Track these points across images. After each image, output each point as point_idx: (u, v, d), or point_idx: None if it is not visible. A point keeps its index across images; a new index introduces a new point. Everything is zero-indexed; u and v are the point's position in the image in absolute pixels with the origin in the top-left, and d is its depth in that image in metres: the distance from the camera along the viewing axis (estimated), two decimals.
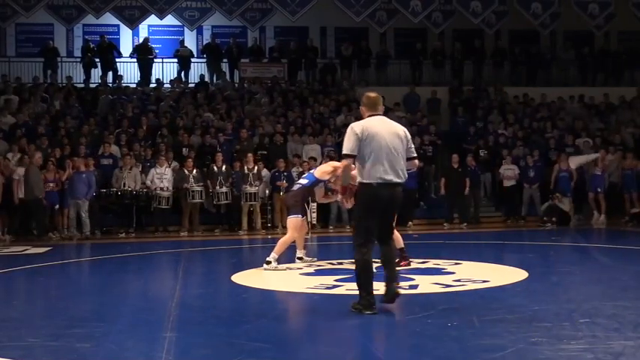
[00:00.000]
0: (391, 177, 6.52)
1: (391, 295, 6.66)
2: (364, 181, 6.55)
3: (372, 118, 6.71)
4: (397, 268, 9.27)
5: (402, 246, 9.84)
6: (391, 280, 6.71)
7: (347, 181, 7.06)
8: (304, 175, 10.76)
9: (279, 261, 9.78)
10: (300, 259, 10.23)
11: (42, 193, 15.36)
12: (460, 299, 7.41)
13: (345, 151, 6.59)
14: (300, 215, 9.87)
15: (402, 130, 6.76)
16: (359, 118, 19.99)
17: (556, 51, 24.66)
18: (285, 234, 10.41)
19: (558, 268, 10.29)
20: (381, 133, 6.55)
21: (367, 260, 6.55)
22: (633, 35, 24.35)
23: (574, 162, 17.39)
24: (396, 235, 9.92)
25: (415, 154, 6.94)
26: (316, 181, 9.99)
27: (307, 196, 10.32)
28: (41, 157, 15.81)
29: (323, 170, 10.06)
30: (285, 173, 16.84)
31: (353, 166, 6.77)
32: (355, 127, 6.58)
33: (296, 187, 10.29)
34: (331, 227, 16.86)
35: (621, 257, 11.44)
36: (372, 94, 6.95)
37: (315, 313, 7.04)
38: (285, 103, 20.98)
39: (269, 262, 9.62)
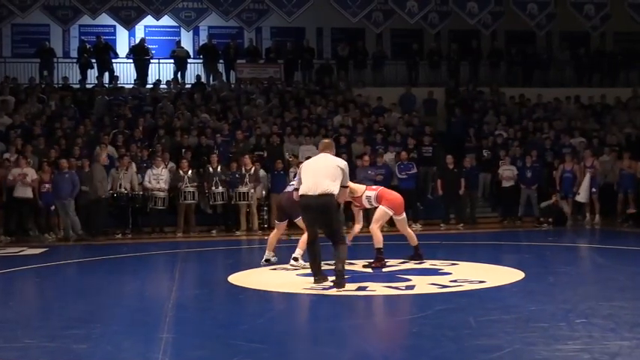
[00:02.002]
0: (314, 191, 8.18)
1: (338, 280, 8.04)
2: (301, 192, 8.40)
3: (318, 155, 8.74)
4: (369, 269, 9.80)
5: (380, 246, 9.98)
6: (339, 273, 8.07)
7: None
8: (297, 178, 10.64)
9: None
10: (296, 259, 10.12)
11: (105, 194, 15.68)
12: (457, 300, 7.42)
13: (296, 184, 8.87)
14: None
15: (340, 162, 8.48)
16: (355, 118, 20.13)
17: (552, 52, 24.70)
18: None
19: (555, 268, 10.30)
20: (316, 163, 8.52)
21: (311, 251, 8.40)
22: (629, 36, 24.41)
23: (580, 197, 17.31)
24: (377, 234, 10.08)
25: (346, 184, 8.70)
26: None
27: None
28: (107, 157, 16.14)
29: None
30: (282, 172, 16.84)
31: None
32: (303, 164, 8.84)
33: (290, 188, 10.15)
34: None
35: (617, 258, 11.46)
36: (326, 140, 9.12)
37: (312, 314, 7.04)
38: (281, 103, 20.97)
39: (296, 259, 9.96)
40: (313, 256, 8.35)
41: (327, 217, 8.17)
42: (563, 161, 17.78)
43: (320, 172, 8.29)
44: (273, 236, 10.67)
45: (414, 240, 10.53)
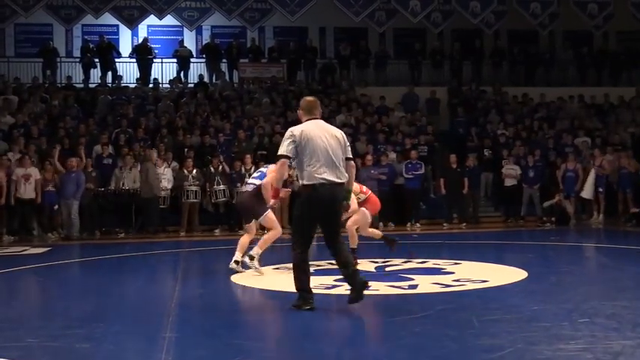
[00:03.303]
0: (331, 177, 6.64)
1: (359, 294, 6.67)
2: (304, 182, 6.70)
3: (310, 121, 6.87)
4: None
5: (355, 247, 9.94)
6: (354, 281, 6.72)
7: (280, 182, 7.05)
8: (257, 175, 9.71)
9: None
10: (252, 257, 9.52)
11: (159, 192, 15.87)
12: (459, 299, 7.41)
13: (280, 151, 6.76)
14: (268, 211, 9.36)
15: (339, 132, 6.94)
16: (358, 118, 20.16)
17: (555, 51, 24.67)
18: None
19: (557, 268, 10.29)
20: (319, 135, 6.73)
21: (303, 260, 6.79)
22: (632, 35, 24.37)
23: (587, 193, 17.29)
24: (352, 233, 9.98)
25: (350, 155, 7.00)
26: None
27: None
28: (156, 156, 16.30)
29: (272, 170, 9.24)
30: None
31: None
32: (293, 130, 6.77)
33: (250, 187, 9.54)
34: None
35: (620, 257, 11.45)
36: (310, 98, 7.15)
37: (314, 313, 7.04)
38: (284, 103, 20.98)
39: (252, 257, 9.35)
40: (305, 274, 6.86)
41: (337, 214, 6.87)
42: (565, 160, 17.77)
43: (330, 149, 6.73)
44: (245, 239, 9.72)
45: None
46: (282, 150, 6.74)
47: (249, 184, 9.67)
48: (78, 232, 15.63)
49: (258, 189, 9.42)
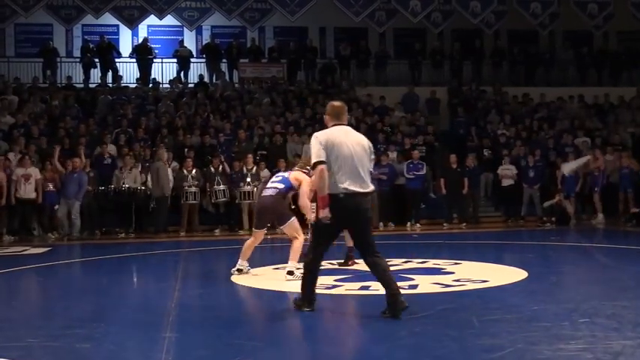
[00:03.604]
0: (356, 187, 6.36)
1: (398, 309, 6.27)
2: (329, 192, 6.36)
3: (336, 127, 6.55)
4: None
5: (352, 245, 9.54)
6: (393, 292, 6.32)
7: (325, 190, 6.37)
8: (278, 179, 9.33)
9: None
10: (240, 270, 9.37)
11: (169, 192, 15.91)
12: (459, 299, 7.41)
13: (314, 159, 6.40)
14: (293, 218, 9.10)
15: (365, 141, 6.62)
16: (358, 118, 20.20)
17: (555, 51, 24.68)
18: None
19: (557, 267, 10.29)
20: (345, 143, 6.42)
21: (315, 265, 6.65)
22: (632, 35, 24.38)
23: (566, 168, 17.38)
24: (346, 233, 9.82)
25: (371, 169, 6.71)
26: (291, 188, 9.18)
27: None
28: (166, 155, 16.33)
29: (296, 177, 9.17)
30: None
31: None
32: (319, 136, 6.47)
33: (273, 191, 9.14)
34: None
35: (620, 257, 11.44)
36: (337, 103, 6.79)
37: (314, 313, 7.04)
38: (284, 103, 20.98)
39: (291, 273, 8.74)
40: (314, 278, 6.75)
41: (363, 225, 6.54)
42: (565, 160, 17.77)
43: (360, 159, 6.47)
44: (249, 244, 9.37)
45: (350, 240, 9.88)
46: (316, 156, 6.38)
47: (271, 188, 9.19)
48: (78, 232, 15.63)
49: (281, 194, 9.12)
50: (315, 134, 6.56)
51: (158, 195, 16.02)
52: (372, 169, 6.67)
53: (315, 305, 6.70)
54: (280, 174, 9.54)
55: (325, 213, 6.34)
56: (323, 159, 6.32)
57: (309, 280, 6.70)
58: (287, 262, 8.90)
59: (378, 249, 6.54)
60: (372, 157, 6.68)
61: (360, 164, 6.42)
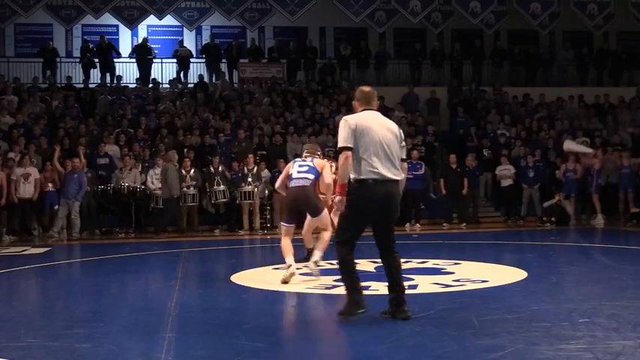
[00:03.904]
0: (387, 173, 6.09)
1: (400, 315, 6.16)
2: (357, 177, 6.10)
3: (365, 112, 6.31)
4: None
5: (311, 247, 9.46)
6: (399, 295, 6.22)
7: (346, 177, 6.18)
8: (306, 169, 8.98)
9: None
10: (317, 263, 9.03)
11: (178, 192, 15.90)
12: (459, 299, 7.41)
13: (341, 143, 6.14)
14: (325, 209, 8.88)
15: (395, 127, 6.39)
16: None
17: (555, 51, 24.68)
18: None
19: (557, 268, 10.29)
20: (375, 128, 6.17)
21: (348, 260, 6.24)
22: (632, 35, 24.39)
23: (568, 145, 17.34)
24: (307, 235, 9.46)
25: (405, 156, 6.54)
26: (319, 175, 8.97)
27: None
28: (176, 157, 16.37)
29: (320, 164, 9.04)
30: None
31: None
32: (348, 119, 6.21)
33: (305, 182, 8.85)
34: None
35: (621, 257, 11.44)
36: (366, 89, 6.53)
37: (314, 313, 7.04)
38: (284, 103, 20.98)
39: (317, 263, 8.73)
40: (353, 270, 6.31)
41: (390, 214, 6.25)
42: (565, 160, 17.79)
43: (386, 143, 6.19)
44: (286, 244, 8.73)
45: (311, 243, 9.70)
46: (343, 141, 6.11)
47: (301, 178, 8.83)
48: (78, 232, 15.64)
49: (312, 184, 8.86)
50: (345, 117, 6.29)
51: (166, 196, 16.01)
52: (404, 157, 6.45)
53: (365, 305, 6.19)
54: (305, 163, 9.06)
55: (343, 200, 6.14)
56: (350, 145, 6.07)
57: (347, 278, 6.25)
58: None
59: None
60: (403, 144, 6.42)
61: (391, 150, 6.16)
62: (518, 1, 21.43)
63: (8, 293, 9.12)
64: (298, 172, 8.92)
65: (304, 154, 9.33)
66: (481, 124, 20.72)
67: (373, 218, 6.20)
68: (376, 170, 6.06)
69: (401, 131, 6.41)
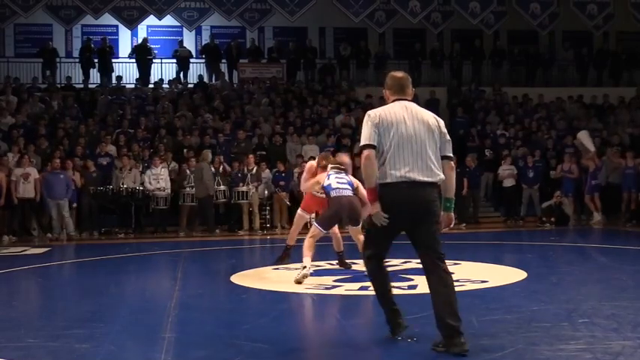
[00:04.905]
0: (417, 175, 5.18)
1: (456, 348, 5.13)
2: (381, 180, 5.24)
3: (395, 103, 5.44)
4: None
5: (342, 250, 9.61)
6: (450, 326, 5.17)
7: (373, 179, 5.24)
8: (344, 181, 8.88)
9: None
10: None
11: (212, 191, 16.04)
12: (459, 299, 7.38)
13: (363, 141, 5.28)
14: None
15: (433, 118, 5.41)
16: (358, 118, 20.22)
17: (555, 51, 24.68)
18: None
19: (557, 268, 10.29)
20: (406, 121, 5.28)
21: (377, 270, 5.53)
22: (632, 36, 24.38)
23: (581, 135, 17.45)
24: (337, 236, 9.41)
25: (450, 153, 5.41)
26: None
27: None
28: (210, 156, 16.46)
29: (357, 182, 8.81)
30: (284, 174, 16.91)
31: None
32: (371, 114, 5.36)
33: (350, 192, 8.80)
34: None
35: (620, 257, 11.44)
36: (399, 74, 5.73)
37: (314, 314, 7.05)
38: (284, 103, 20.98)
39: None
40: (385, 284, 5.57)
41: (426, 222, 5.25)
42: (562, 161, 17.81)
43: (418, 140, 5.28)
44: (311, 244, 8.73)
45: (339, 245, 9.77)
46: (365, 138, 5.25)
47: (346, 189, 8.75)
48: (73, 230, 15.62)
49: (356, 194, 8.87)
50: (369, 112, 5.42)
51: (201, 195, 16.05)
52: (448, 154, 5.40)
53: (403, 320, 5.57)
54: (341, 176, 8.92)
55: (377, 208, 5.24)
56: (373, 142, 5.20)
57: (379, 290, 5.58)
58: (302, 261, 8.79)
59: None
60: (447, 138, 5.41)
61: (424, 147, 5.24)
62: (517, 1, 21.43)
63: (8, 293, 9.12)
64: (339, 182, 8.83)
65: (330, 168, 9.05)
66: (478, 124, 20.66)
67: (402, 228, 5.34)
68: (403, 173, 5.19)
69: (442, 122, 5.43)
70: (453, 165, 5.48)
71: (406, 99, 5.47)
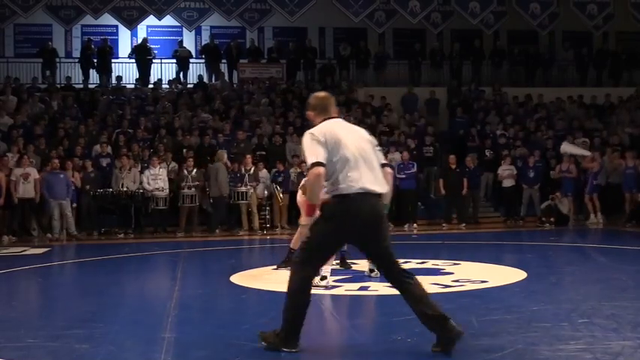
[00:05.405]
0: (371, 186, 5.27)
1: (452, 340, 5.18)
2: (336, 193, 5.25)
3: (329, 121, 5.44)
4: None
5: (345, 248, 9.34)
6: (438, 320, 5.22)
7: (318, 197, 5.27)
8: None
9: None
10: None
11: (228, 191, 16.12)
12: (459, 300, 7.41)
13: (311, 159, 5.21)
14: None
15: (366, 133, 5.62)
16: (358, 118, 20.24)
17: (555, 51, 24.68)
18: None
19: (557, 268, 10.30)
20: (348, 137, 5.36)
21: (308, 286, 5.32)
22: (632, 36, 24.38)
23: (565, 148, 17.39)
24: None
25: (385, 161, 5.76)
26: None
27: None
28: (225, 156, 16.50)
29: None
30: (283, 174, 16.92)
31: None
32: (314, 132, 5.32)
33: None
34: None
35: (620, 257, 11.45)
36: (321, 94, 5.70)
37: (314, 313, 7.03)
38: (283, 103, 20.98)
39: (372, 270, 8.84)
40: (307, 301, 5.34)
41: (382, 232, 5.37)
42: (561, 161, 17.82)
43: (368, 154, 5.41)
44: None
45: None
46: (315, 156, 5.21)
47: None
48: (74, 230, 15.63)
49: None
50: (310, 131, 5.37)
51: (216, 195, 16.15)
52: (384, 161, 5.73)
53: (299, 345, 5.33)
54: None
55: (309, 221, 5.47)
56: (322, 160, 5.20)
57: (296, 309, 5.31)
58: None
59: None
60: (378, 148, 5.69)
61: (370, 159, 5.39)
62: (517, 1, 21.42)
63: (8, 293, 9.12)
64: None
65: None
66: (478, 124, 20.66)
67: (355, 238, 5.39)
68: (359, 184, 5.24)
69: (373, 138, 5.64)
70: (390, 170, 5.85)
71: (334, 117, 5.53)
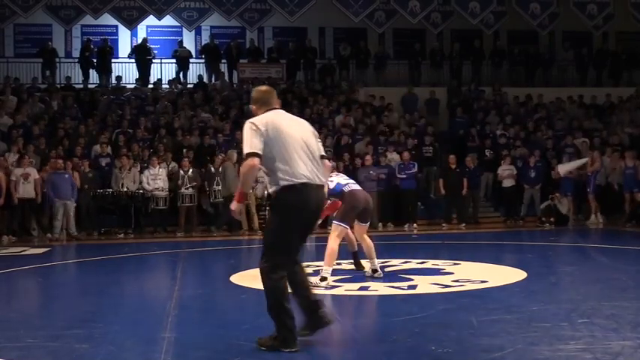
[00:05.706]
0: (314, 177, 5.36)
1: (321, 323, 5.52)
2: (284, 184, 5.29)
3: (271, 112, 5.48)
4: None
5: (356, 249, 9.43)
6: (312, 305, 5.52)
7: (249, 185, 5.52)
8: (353, 182, 9.14)
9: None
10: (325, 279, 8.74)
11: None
12: (459, 299, 7.41)
13: (248, 149, 5.27)
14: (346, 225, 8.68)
15: (307, 124, 5.67)
16: (357, 118, 20.18)
17: (554, 51, 24.69)
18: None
19: (557, 268, 10.30)
20: (290, 127, 5.41)
21: (283, 287, 5.40)
22: (632, 36, 24.38)
23: (563, 169, 17.42)
24: (350, 236, 9.17)
25: (324, 153, 5.73)
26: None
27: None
28: (235, 156, 16.32)
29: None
30: None
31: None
32: (255, 122, 5.34)
33: (358, 186, 9.09)
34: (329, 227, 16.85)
35: (620, 257, 11.44)
36: (263, 88, 5.76)
37: None
38: (284, 103, 20.92)
39: (375, 271, 8.86)
40: (287, 299, 5.46)
41: (315, 224, 5.70)
42: (560, 162, 17.80)
43: (310, 144, 5.50)
44: (335, 252, 8.50)
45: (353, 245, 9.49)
46: (250, 146, 5.25)
47: (353, 183, 9.00)
48: (74, 230, 15.64)
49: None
50: (251, 120, 5.38)
51: (225, 194, 16.14)
52: (323, 153, 5.70)
53: (297, 344, 5.37)
54: (341, 175, 9.27)
55: (238, 207, 5.49)
56: (259, 151, 5.24)
57: (279, 310, 5.38)
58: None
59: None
60: (318, 140, 5.67)
61: (312, 150, 5.45)
62: (517, 1, 21.41)
63: (8, 293, 9.13)
64: (345, 179, 9.01)
65: (335, 174, 9.16)
66: (478, 124, 20.65)
67: (306, 227, 5.48)
68: (303, 174, 5.31)
69: (314, 130, 5.69)
70: (329, 164, 6.00)
71: (276, 108, 5.57)
